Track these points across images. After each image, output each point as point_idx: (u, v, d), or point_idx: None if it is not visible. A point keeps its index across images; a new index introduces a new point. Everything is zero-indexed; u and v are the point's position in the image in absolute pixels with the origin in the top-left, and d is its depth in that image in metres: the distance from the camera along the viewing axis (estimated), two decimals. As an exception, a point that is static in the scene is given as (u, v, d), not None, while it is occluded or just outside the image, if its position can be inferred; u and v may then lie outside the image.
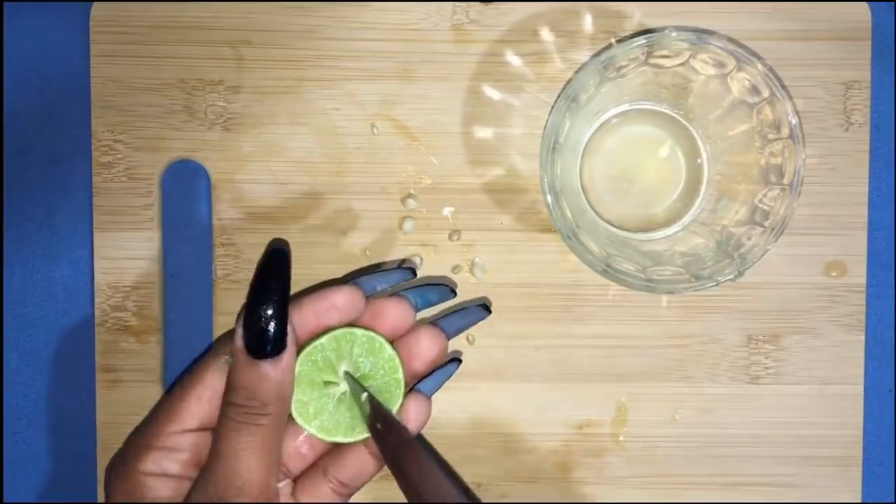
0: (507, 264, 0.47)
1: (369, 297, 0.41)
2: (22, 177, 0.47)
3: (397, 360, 0.40)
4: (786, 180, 0.41)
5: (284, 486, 0.40)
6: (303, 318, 0.39)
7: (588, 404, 0.47)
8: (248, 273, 0.46)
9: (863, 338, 0.47)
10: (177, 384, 0.39)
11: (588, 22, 0.46)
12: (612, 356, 0.47)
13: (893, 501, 0.48)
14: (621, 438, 0.47)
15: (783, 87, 0.40)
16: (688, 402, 0.47)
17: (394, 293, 0.41)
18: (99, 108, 0.46)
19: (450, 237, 0.46)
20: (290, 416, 0.39)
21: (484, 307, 0.44)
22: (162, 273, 0.47)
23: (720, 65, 0.41)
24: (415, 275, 0.43)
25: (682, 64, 0.42)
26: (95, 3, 0.46)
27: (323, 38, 0.46)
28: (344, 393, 0.40)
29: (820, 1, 0.46)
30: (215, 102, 0.46)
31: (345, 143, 0.46)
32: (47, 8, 0.47)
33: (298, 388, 0.39)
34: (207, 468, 0.37)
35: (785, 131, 0.40)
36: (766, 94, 0.40)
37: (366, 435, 0.39)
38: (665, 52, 0.42)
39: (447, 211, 0.46)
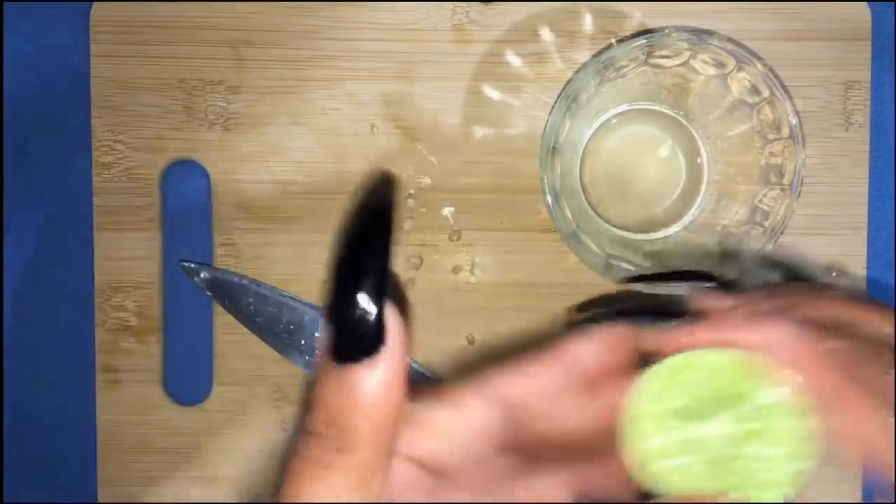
0: (507, 264, 0.47)
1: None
2: (22, 177, 0.47)
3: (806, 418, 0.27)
4: (786, 180, 0.41)
5: None
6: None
7: (588, 404, 0.47)
8: (247, 273, 0.46)
9: (863, 338, 0.47)
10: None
11: (588, 22, 0.46)
12: (612, 356, 0.47)
13: (893, 501, 0.48)
14: (621, 438, 0.47)
15: (783, 87, 0.40)
16: (688, 402, 0.47)
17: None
18: (99, 108, 0.46)
19: (450, 237, 0.46)
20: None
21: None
22: (162, 273, 0.47)
23: (720, 65, 0.41)
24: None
25: (682, 64, 0.42)
26: (95, 3, 0.46)
27: (323, 38, 0.46)
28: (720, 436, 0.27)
29: (820, 1, 0.46)
30: (215, 102, 0.46)
31: (345, 143, 0.46)
32: (47, 8, 0.47)
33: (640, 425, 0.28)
34: None
35: (785, 131, 0.40)
36: (766, 94, 0.41)
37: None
38: (665, 52, 0.42)
39: (447, 211, 0.46)
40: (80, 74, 0.47)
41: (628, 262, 0.42)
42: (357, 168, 0.46)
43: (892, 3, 0.47)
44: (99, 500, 0.46)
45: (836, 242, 0.47)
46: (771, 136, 0.41)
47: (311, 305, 0.46)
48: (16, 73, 0.47)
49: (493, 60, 0.46)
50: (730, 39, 0.40)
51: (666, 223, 0.46)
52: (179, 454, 0.46)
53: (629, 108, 0.46)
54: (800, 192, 0.41)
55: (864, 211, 0.47)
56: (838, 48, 0.46)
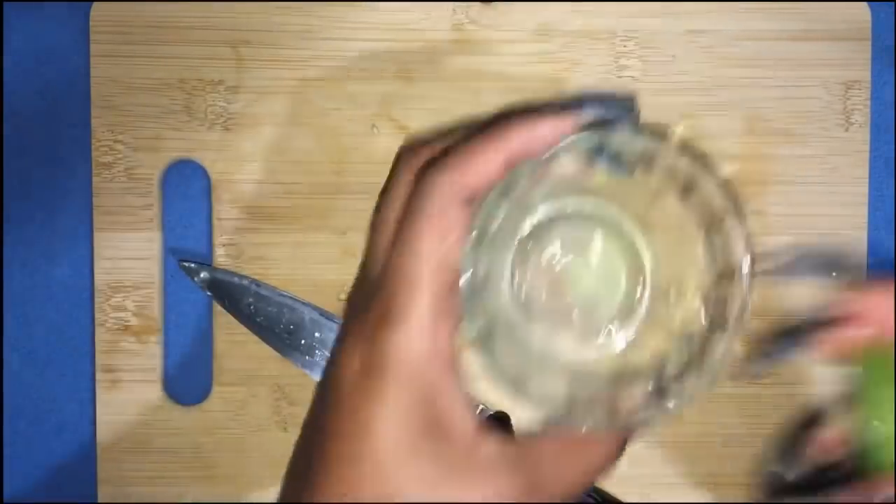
0: (507, 264, 0.46)
1: None
2: (22, 177, 0.47)
3: None
4: (736, 270, 0.33)
5: None
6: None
7: (588, 404, 0.47)
8: (247, 273, 0.46)
9: (863, 338, 0.47)
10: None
11: (588, 21, 0.46)
12: (612, 356, 0.47)
13: (893, 502, 0.48)
14: (621, 438, 0.47)
15: (711, 165, 0.33)
16: (688, 402, 0.47)
17: None
18: (99, 108, 0.46)
19: (450, 237, 0.46)
20: None
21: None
22: (162, 273, 0.47)
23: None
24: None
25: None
26: (95, 3, 0.46)
27: (322, 39, 0.46)
28: None
29: (820, 1, 0.46)
30: (215, 102, 0.46)
31: (345, 143, 0.46)
32: (47, 8, 0.47)
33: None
34: None
35: (725, 218, 0.33)
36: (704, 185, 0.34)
37: None
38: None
39: (447, 211, 0.46)
40: (80, 74, 0.47)
41: (588, 392, 0.32)
42: (357, 168, 0.46)
43: (893, 3, 0.47)
44: (99, 500, 0.46)
45: (836, 242, 0.47)
46: (714, 225, 0.35)
47: (311, 305, 0.46)
48: (16, 73, 0.47)
49: (493, 60, 0.46)
50: (683, 147, 0.33)
51: (613, 324, 0.35)
52: (179, 454, 0.46)
53: (556, 209, 0.35)
54: (753, 281, 0.34)
55: (864, 211, 0.47)
56: (838, 48, 0.46)
